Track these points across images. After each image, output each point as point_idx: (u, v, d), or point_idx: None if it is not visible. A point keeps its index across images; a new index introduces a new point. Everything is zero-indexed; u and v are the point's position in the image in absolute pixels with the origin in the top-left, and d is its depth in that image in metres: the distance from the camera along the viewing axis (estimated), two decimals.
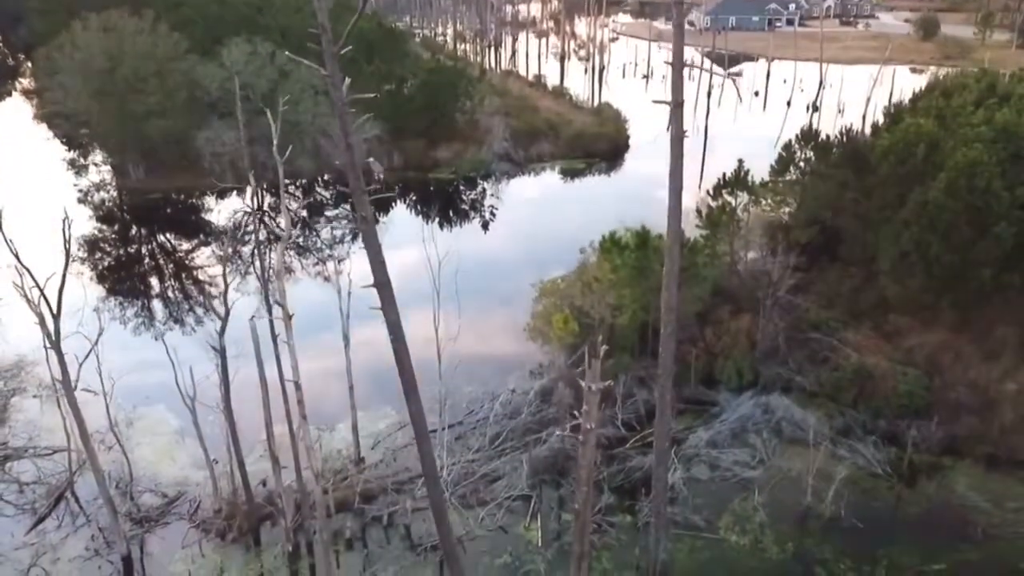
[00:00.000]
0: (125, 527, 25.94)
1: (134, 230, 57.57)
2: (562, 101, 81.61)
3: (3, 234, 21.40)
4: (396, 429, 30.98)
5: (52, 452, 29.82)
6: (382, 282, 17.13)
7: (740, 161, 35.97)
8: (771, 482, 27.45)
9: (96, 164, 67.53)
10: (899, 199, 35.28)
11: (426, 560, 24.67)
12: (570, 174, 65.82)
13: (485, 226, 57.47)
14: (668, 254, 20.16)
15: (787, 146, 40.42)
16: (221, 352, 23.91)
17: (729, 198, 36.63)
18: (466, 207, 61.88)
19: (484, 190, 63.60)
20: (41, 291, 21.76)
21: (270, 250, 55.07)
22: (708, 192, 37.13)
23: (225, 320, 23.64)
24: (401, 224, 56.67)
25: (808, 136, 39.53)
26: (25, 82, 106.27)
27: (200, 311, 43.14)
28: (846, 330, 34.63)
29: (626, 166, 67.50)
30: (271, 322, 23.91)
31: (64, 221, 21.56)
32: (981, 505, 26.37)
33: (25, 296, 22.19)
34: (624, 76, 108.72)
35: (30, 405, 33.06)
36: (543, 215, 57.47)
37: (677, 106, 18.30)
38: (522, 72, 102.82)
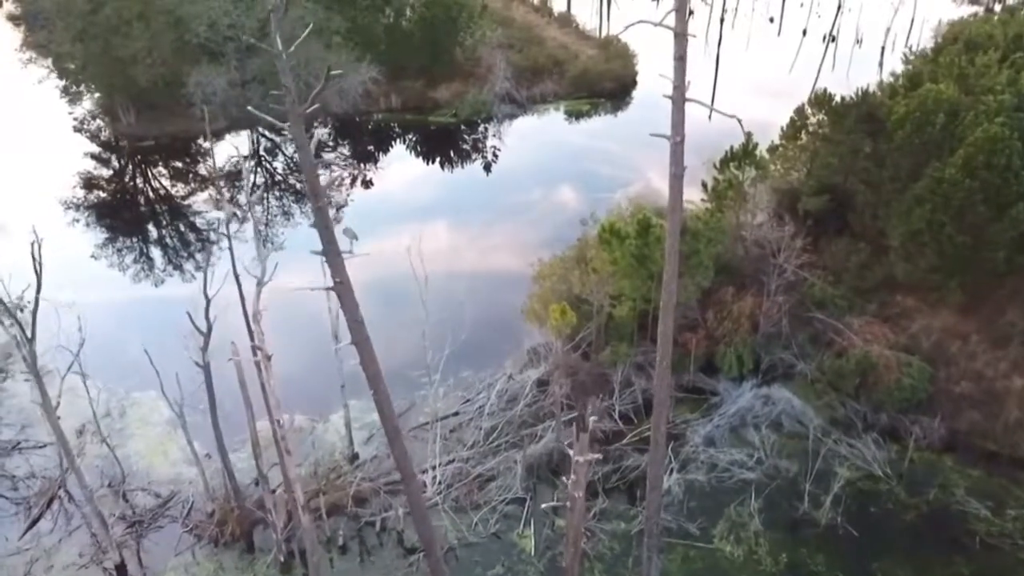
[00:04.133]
0: (118, 530, 26.02)
1: (127, 179, 56.33)
2: (569, 31, 78.01)
3: None
4: None
5: (44, 446, 29.65)
6: (360, 340, 16.28)
7: (749, 134, 34.15)
8: (768, 485, 27.13)
9: (87, 109, 65.40)
10: (914, 171, 33.72)
11: (418, 569, 24.67)
12: (574, 115, 63.44)
13: (487, 167, 56.64)
14: (665, 288, 19.09)
15: (799, 110, 38.43)
16: (205, 369, 23.29)
17: (736, 172, 35.03)
18: (468, 150, 60.26)
19: (486, 132, 61.62)
20: (15, 317, 20.98)
21: (267, 195, 54.25)
22: (715, 165, 35.47)
23: (207, 336, 22.87)
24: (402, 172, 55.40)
25: (822, 100, 37.48)
26: (10, 5, 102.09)
27: (190, 272, 42.35)
28: (851, 310, 33.71)
29: (631, 109, 64.92)
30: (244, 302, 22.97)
31: (33, 244, 20.53)
32: (981, 512, 26.05)
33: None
34: None
35: (22, 390, 32.68)
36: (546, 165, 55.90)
37: (677, 143, 16.88)
38: None
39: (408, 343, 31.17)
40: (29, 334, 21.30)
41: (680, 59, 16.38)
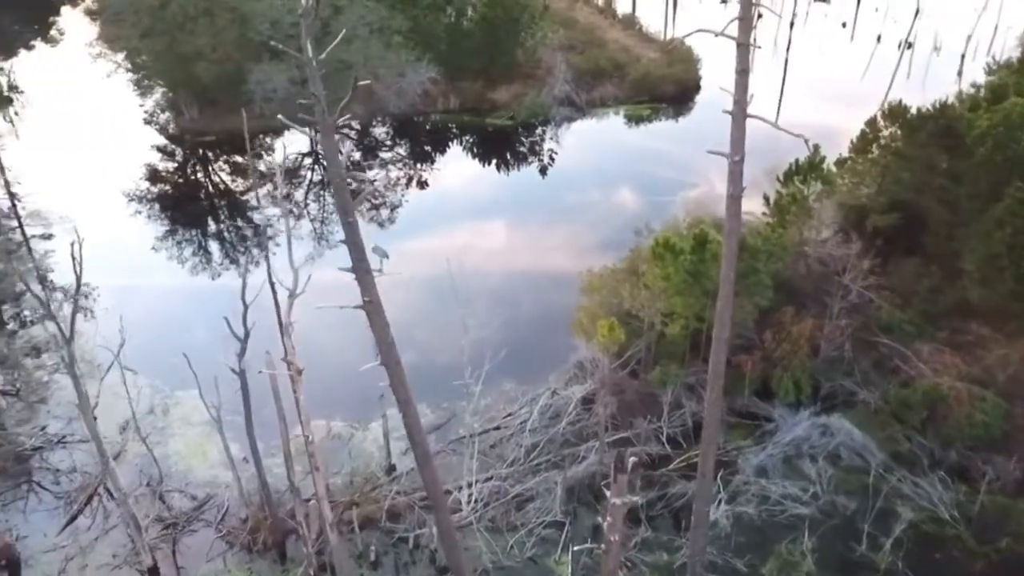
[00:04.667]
0: (153, 531, 25.91)
1: (188, 173, 57.13)
2: (632, 33, 76.41)
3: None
4: (430, 431, 29.91)
5: (88, 441, 29.72)
6: (390, 363, 15.51)
7: (816, 147, 32.43)
8: (823, 522, 25.54)
9: (156, 102, 66.48)
10: (994, 190, 31.51)
11: None
12: (634, 119, 61.99)
13: (543, 171, 56.08)
14: (718, 319, 17.85)
15: (870, 122, 36.42)
16: (241, 375, 22.89)
17: (801, 186, 33.31)
18: (525, 152, 59.56)
19: (543, 135, 60.75)
20: (55, 319, 20.86)
21: (323, 192, 54.30)
22: (778, 178, 33.81)
23: (244, 343, 22.48)
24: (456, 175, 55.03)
25: (896, 112, 35.43)
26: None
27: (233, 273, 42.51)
28: (920, 337, 31.72)
29: (693, 114, 63.13)
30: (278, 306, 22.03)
31: (73, 244, 20.35)
32: None
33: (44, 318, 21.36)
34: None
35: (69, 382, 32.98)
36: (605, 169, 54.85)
37: (736, 163, 15.65)
38: None
39: (454, 347, 30.71)
40: (68, 334, 21.15)
41: (742, 72, 15.15)
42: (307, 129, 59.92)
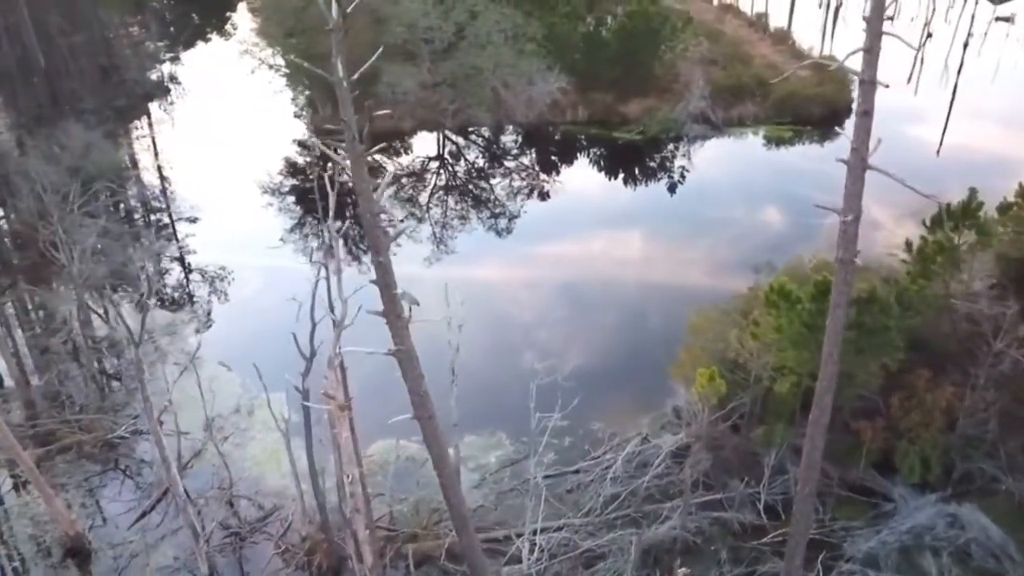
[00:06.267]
0: (217, 537, 25.69)
1: (319, 169, 58.01)
2: (783, 49, 71.71)
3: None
4: (505, 466, 28.27)
5: (173, 435, 30.08)
6: (423, 416, 13.94)
7: (972, 191, 28.25)
8: None
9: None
10: None
11: None
12: (774, 141, 57.90)
13: (672, 188, 53.70)
14: (817, 402, 15.13)
15: None
16: (304, 394, 22.03)
17: (952, 233, 29.16)
18: (655, 168, 57.06)
19: (675, 151, 57.92)
20: (124, 322, 20.73)
21: (447, 197, 53.91)
22: (924, 223, 29.78)
23: (310, 362, 21.62)
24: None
25: None
26: None
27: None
28: None
29: (840, 140, 58.25)
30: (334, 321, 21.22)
31: (144, 258, 20.13)
32: None
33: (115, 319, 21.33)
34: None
35: (170, 375, 33.59)
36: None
37: (848, 222, 12.96)
38: (745, 6, 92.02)
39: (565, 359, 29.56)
40: (137, 338, 20.98)
41: (865, 114, 12.50)
42: (435, 133, 60.74)
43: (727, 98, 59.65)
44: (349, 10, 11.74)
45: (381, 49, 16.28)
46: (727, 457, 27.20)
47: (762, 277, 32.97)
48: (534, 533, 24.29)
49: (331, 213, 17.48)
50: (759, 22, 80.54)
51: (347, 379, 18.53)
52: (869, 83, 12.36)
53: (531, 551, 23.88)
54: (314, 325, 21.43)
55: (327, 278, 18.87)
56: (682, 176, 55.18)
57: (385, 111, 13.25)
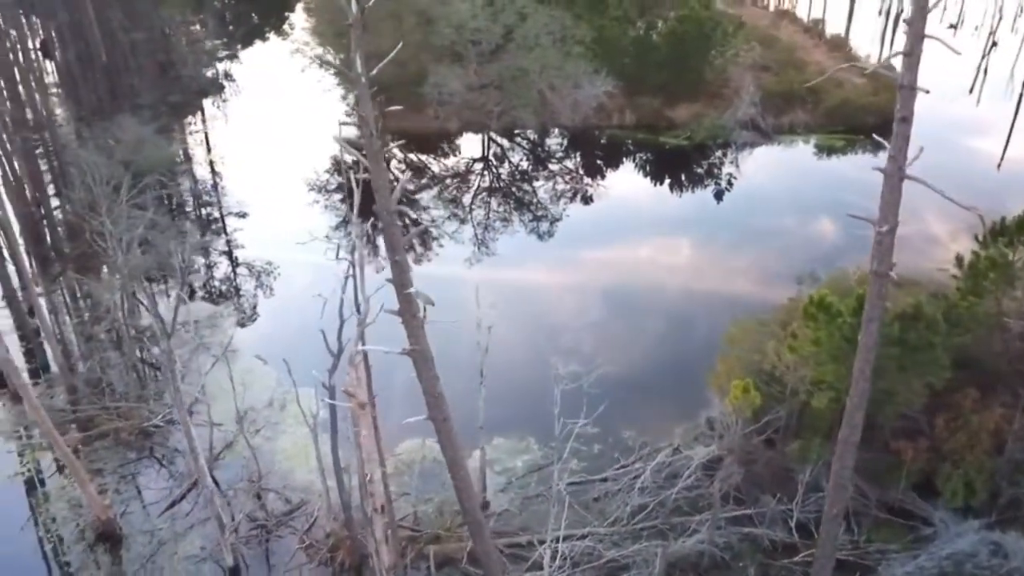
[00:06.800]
0: (244, 529, 25.92)
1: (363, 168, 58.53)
2: (839, 56, 70.01)
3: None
4: (532, 471, 27.98)
5: (206, 425, 30.47)
6: (438, 418, 13.77)
7: None
8: None
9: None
10: None
11: None
12: (826, 150, 56.54)
13: (719, 194, 53.19)
14: (847, 421, 14.54)
15: None
16: (330, 391, 22.03)
17: (1007, 249, 27.97)
18: (702, 175, 56.25)
19: (723, 158, 57.00)
20: (157, 315, 21.02)
21: (491, 198, 53.91)
22: (976, 238, 28.63)
23: (337, 359, 21.57)
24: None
25: None
26: None
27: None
28: None
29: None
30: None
31: (178, 248, 20.38)
32: None
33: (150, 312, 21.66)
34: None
35: (205, 364, 34.01)
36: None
37: (884, 233, 12.42)
38: (802, 12, 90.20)
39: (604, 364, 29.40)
40: (169, 330, 21.26)
41: (903, 120, 11.95)
42: (480, 134, 60.67)
43: (778, 104, 58.50)
44: (370, 3, 11.58)
45: (400, 45, 16.06)
46: (760, 472, 26.49)
47: (804, 288, 32.12)
48: (557, 540, 23.91)
49: (355, 210, 17.46)
50: (815, 28, 78.88)
51: (371, 377, 18.49)
52: (909, 88, 11.80)
53: (553, 558, 23.48)
54: (342, 322, 21.43)
55: (354, 276, 18.86)
56: (730, 183, 54.33)
57: (397, 107, 12.94)
